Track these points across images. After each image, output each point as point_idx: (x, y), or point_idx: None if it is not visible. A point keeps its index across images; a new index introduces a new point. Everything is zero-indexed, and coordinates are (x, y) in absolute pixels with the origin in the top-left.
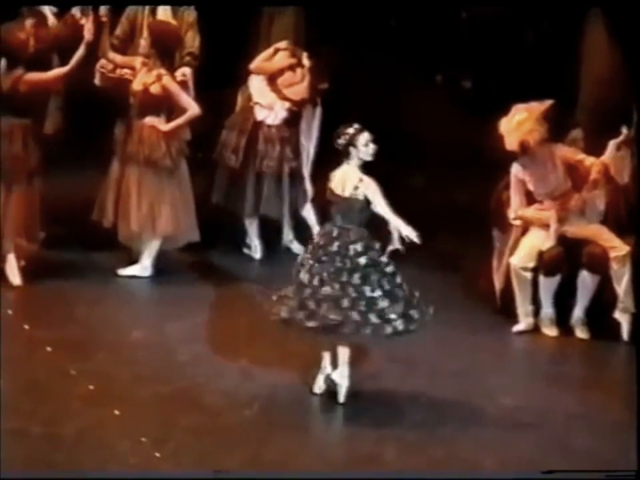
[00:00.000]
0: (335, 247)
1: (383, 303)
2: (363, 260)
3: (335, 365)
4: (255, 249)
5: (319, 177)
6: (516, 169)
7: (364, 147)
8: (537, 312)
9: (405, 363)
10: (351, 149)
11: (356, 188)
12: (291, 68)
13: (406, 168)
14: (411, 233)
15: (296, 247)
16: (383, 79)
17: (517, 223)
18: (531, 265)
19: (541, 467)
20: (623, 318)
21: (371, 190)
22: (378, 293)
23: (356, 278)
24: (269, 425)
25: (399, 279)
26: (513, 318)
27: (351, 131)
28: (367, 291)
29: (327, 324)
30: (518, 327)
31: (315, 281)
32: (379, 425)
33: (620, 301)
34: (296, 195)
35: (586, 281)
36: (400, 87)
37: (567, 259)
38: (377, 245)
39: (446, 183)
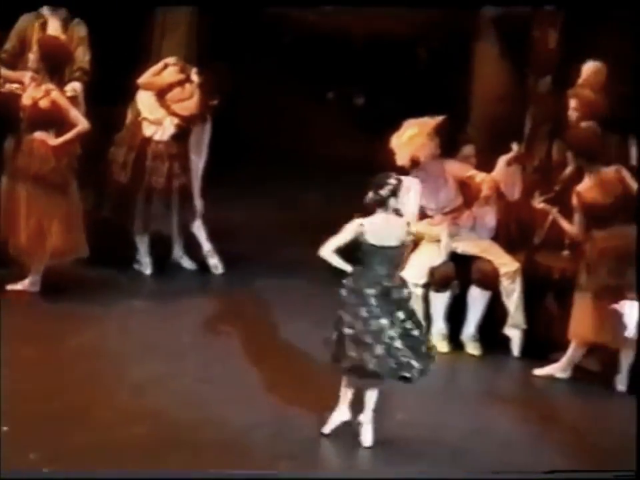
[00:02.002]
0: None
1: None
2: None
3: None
4: (145, 264)
5: (208, 193)
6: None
7: (404, 196)
8: (428, 327)
9: (297, 377)
10: (391, 200)
11: (409, 234)
12: (180, 83)
13: (298, 183)
14: None
15: (186, 263)
16: (275, 95)
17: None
18: (422, 280)
19: None
20: (512, 333)
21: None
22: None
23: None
24: (162, 442)
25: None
26: None
27: (393, 182)
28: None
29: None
30: None
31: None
32: (270, 443)
33: (510, 316)
34: (185, 211)
35: (476, 296)
36: (292, 103)
37: (457, 275)
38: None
39: (338, 198)
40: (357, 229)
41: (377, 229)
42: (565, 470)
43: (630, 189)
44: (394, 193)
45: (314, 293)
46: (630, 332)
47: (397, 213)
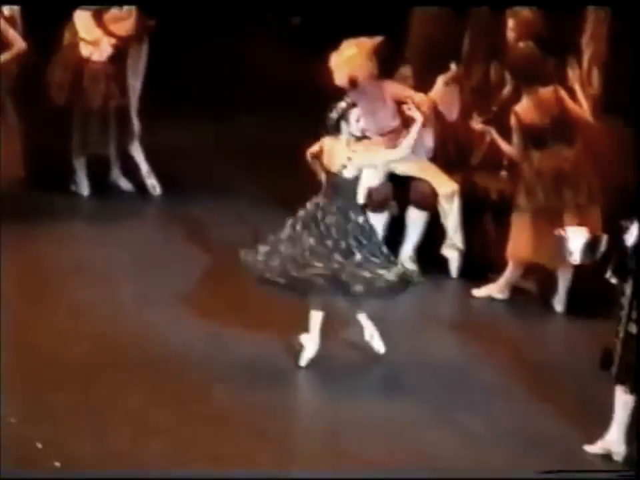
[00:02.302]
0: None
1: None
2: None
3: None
4: (83, 186)
5: (145, 114)
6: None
7: (355, 122)
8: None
9: (234, 299)
10: (342, 123)
11: (344, 166)
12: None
13: (239, 106)
14: None
15: (124, 184)
16: (212, 17)
17: None
18: (360, 201)
19: (372, 406)
20: (450, 254)
21: (365, 161)
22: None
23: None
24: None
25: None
26: None
27: (343, 104)
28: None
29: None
30: None
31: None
32: (206, 363)
33: (448, 237)
34: (123, 133)
35: (414, 217)
36: (229, 26)
37: (395, 195)
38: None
39: (278, 121)
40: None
41: (325, 151)
42: (565, 470)
43: (568, 108)
44: (343, 116)
45: (249, 213)
46: (574, 258)
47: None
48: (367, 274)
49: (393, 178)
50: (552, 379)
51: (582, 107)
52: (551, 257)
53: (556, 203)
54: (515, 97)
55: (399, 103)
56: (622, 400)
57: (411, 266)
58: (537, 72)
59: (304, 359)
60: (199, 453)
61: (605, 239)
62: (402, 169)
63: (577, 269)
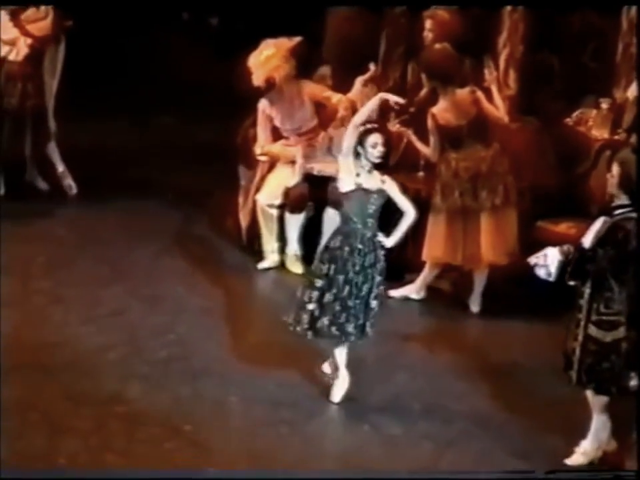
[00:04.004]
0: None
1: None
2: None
3: None
4: None
5: (62, 114)
6: (263, 105)
7: (371, 148)
8: (282, 249)
9: (149, 300)
10: (359, 148)
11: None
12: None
13: (154, 106)
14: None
15: (40, 183)
16: (129, 17)
17: (263, 159)
18: (277, 201)
19: (284, 406)
20: None
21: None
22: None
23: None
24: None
25: None
26: (259, 255)
27: (362, 129)
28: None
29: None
30: (263, 264)
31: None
32: (121, 365)
33: None
34: (39, 133)
35: (331, 218)
36: (147, 26)
37: (312, 196)
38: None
39: (193, 121)
40: None
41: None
42: (565, 470)
43: (484, 110)
44: (360, 141)
45: (165, 214)
46: (553, 278)
47: None
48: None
49: (310, 178)
50: (467, 378)
51: (498, 108)
52: (466, 257)
53: (472, 203)
54: (432, 98)
55: (317, 103)
56: (597, 403)
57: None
58: (454, 73)
59: (336, 396)
60: (113, 452)
61: (572, 249)
62: (319, 169)
63: (492, 270)
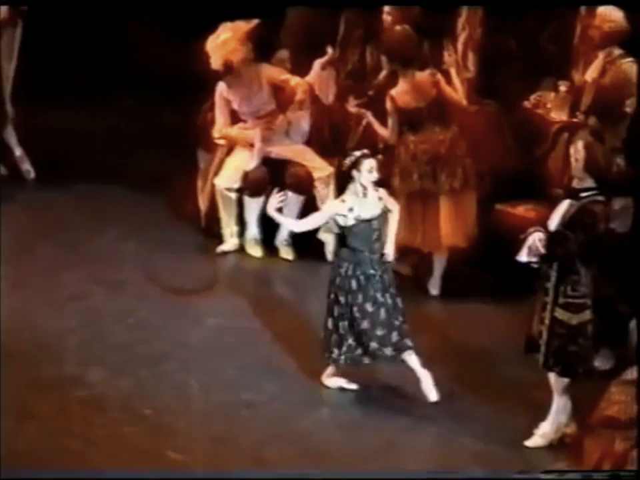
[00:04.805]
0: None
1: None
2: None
3: None
4: None
5: (19, 98)
6: (221, 88)
7: (367, 172)
8: (241, 232)
9: (109, 284)
10: (354, 172)
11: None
12: None
13: (114, 90)
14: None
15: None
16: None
17: (222, 142)
18: (236, 185)
19: (244, 389)
20: (326, 238)
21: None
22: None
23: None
24: None
25: None
26: (218, 239)
27: (357, 153)
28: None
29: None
30: (222, 248)
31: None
32: (82, 349)
33: None
34: None
35: (290, 201)
36: (106, 9)
37: (271, 179)
38: None
39: (153, 104)
40: None
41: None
42: (565, 470)
43: (443, 92)
44: (355, 165)
45: (125, 198)
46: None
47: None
48: None
49: (269, 162)
50: (427, 360)
51: (457, 91)
52: (425, 240)
53: (431, 186)
54: (391, 81)
55: (275, 87)
56: (559, 385)
57: (287, 250)
58: (413, 55)
59: (431, 394)
60: (74, 436)
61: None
62: (278, 153)
63: (452, 253)
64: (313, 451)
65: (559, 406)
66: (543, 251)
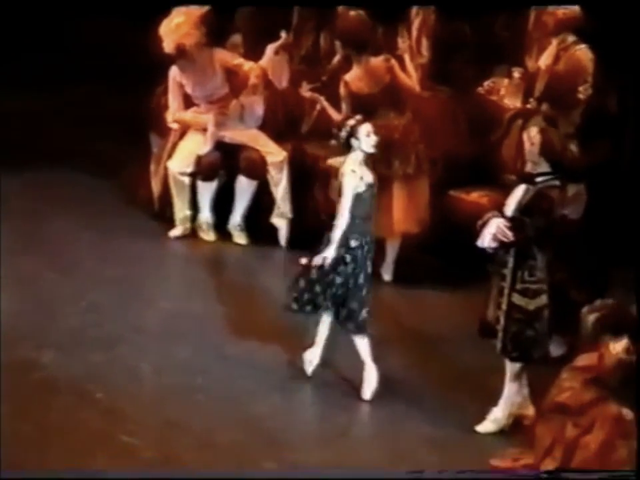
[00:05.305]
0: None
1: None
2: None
3: None
4: None
5: None
6: (174, 72)
7: (366, 137)
8: (194, 217)
9: (62, 268)
10: (353, 141)
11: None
12: None
13: (64, 73)
14: None
15: None
16: None
17: (175, 126)
18: (189, 169)
19: (197, 373)
20: (279, 223)
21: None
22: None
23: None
24: None
25: None
26: (171, 223)
27: (351, 122)
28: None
29: None
30: (175, 232)
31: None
32: (34, 332)
33: (277, 206)
34: None
35: (243, 186)
36: None
37: (224, 164)
38: None
39: (104, 88)
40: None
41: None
42: (565, 470)
43: (397, 78)
44: (352, 133)
45: (78, 182)
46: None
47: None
48: None
49: (222, 146)
50: (380, 345)
51: (411, 77)
52: (378, 225)
53: (384, 172)
54: (345, 66)
55: (229, 71)
56: (512, 370)
57: (240, 235)
58: (367, 41)
59: (367, 393)
60: (27, 421)
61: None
62: (231, 137)
63: (404, 239)
64: (266, 437)
65: (511, 392)
66: (510, 236)
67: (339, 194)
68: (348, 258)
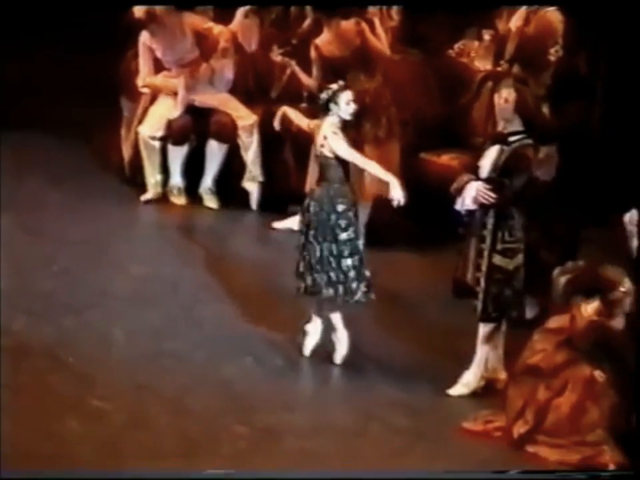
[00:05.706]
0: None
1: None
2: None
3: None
4: None
5: None
6: (144, 37)
7: (345, 104)
8: (165, 181)
9: (33, 231)
10: (332, 105)
11: (322, 146)
12: None
13: (34, 37)
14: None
15: None
16: None
17: (146, 90)
18: (159, 133)
19: (168, 338)
20: (250, 187)
21: (334, 143)
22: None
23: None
24: None
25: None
26: (142, 187)
27: (334, 86)
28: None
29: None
30: (146, 196)
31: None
32: (5, 295)
33: (247, 170)
34: None
35: (214, 150)
36: None
37: (195, 128)
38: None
39: (74, 52)
40: None
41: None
42: (565, 470)
43: (368, 41)
44: (333, 98)
45: (50, 146)
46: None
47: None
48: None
49: (192, 110)
50: (350, 307)
51: (381, 40)
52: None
53: (355, 135)
54: (315, 30)
55: (199, 35)
56: (484, 333)
57: (211, 198)
58: (338, 4)
59: (338, 357)
60: None
61: None
62: (201, 101)
63: (376, 202)
64: (236, 400)
65: (483, 354)
66: (492, 198)
67: (321, 158)
68: (343, 223)
